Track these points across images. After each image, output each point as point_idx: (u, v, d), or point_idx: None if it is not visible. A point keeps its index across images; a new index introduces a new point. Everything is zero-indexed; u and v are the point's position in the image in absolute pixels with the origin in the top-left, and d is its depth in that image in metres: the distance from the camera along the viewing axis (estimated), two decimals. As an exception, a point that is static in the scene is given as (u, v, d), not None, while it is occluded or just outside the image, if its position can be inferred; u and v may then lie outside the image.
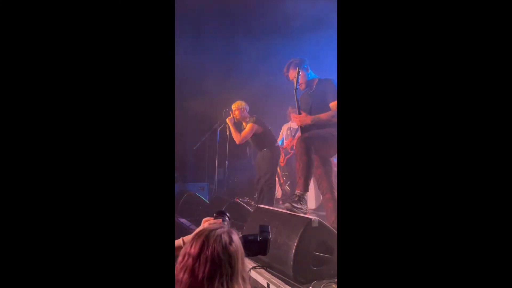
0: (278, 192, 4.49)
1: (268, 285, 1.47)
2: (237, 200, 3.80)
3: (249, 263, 1.73)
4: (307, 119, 1.98)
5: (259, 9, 3.60)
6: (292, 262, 1.43)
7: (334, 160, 2.42)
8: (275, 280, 1.48)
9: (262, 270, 1.62)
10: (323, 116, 1.97)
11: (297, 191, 1.87)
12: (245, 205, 2.53)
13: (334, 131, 1.97)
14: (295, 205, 1.78)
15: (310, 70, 2.18)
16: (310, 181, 1.90)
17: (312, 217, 1.55)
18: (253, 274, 1.60)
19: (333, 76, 2.06)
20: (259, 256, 1.77)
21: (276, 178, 4.47)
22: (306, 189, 1.86)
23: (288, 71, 2.17)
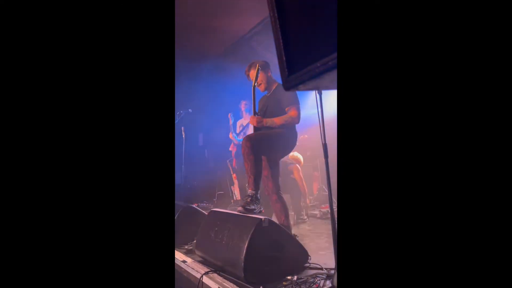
0: (238, 194, 4.48)
1: (219, 289, 1.45)
2: (195, 204, 3.71)
3: (201, 269, 1.69)
4: (262, 121, 2.00)
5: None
6: (243, 264, 1.42)
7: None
8: (227, 284, 1.46)
9: (215, 275, 1.59)
10: (277, 120, 2.00)
11: (249, 191, 1.86)
12: (200, 210, 2.47)
13: (281, 132, 2.01)
14: (247, 206, 1.78)
15: (271, 74, 2.21)
16: (260, 179, 1.91)
17: (262, 217, 1.56)
18: (205, 279, 1.56)
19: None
20: (212, 261, 1.74)
21: (235, 180, 4.46)
22: (257, 187, 1.86)
23: (249, 70, 2.17)
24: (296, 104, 2.02)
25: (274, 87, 2.17)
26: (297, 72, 0.50)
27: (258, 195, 1.85)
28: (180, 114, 3.46)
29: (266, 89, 2.19)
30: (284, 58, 0.50)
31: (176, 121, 3.52)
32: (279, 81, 2.20)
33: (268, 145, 1.95)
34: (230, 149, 3.62)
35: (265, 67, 2.15)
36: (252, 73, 2.13)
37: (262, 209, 1.90)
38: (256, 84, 2.03)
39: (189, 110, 3.46)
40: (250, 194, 1.82)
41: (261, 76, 2.11)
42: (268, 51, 3.58)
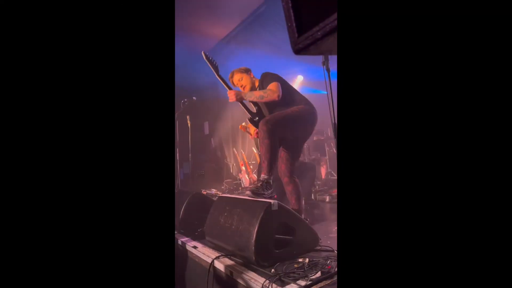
0: (246, 181, 4.48)
1: (231, 273, 1.45)
2: (204, 192, 3.71)
3: (212, 254, 1.69)
4: (241, 94, 2.00)
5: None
6: (253, 248, 1.41)
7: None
8: (238, 267, 1.45)
9: (226, 259, 1.59)
10: (256, 92, 2.00)
11: (262, 175, 1.83)
12: (209, 196, 2.47)
13: (297, 110, 1.94)
14: (257, 191, 1.75)
15: (253, 75, 2.26)
16: (275, 164, 1.87)
17: (271, 200, 1.54)
18: (217, 264, 1.56)
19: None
20: (222, 246, 1.73)
21: (243, 168, 4.45)
22: (271, 172, 1.82)
23: (232, 77, 2.23)
24: (276, 80, 2.00)
25: (257, 85, 2.20)
26: (308, 32, 0.45)
27: (271, 181, 1.81)
28: (184, 102, 3.42)
29: (251, 89, 2.21)
30: (292, 16, 0.46)
31: (180, 110, 3.49)
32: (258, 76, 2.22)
33: (285, 125, 1.88)
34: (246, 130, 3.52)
35: (246, 71, 2.22)
36: (236, 77, 2.20)
37: (274, 194, 1.86)
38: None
39: (194, 98, 3.41)
40: (262, 179, 1.80)
41: (244, 79, 2.18)
42: (272, 35, 3.49)
